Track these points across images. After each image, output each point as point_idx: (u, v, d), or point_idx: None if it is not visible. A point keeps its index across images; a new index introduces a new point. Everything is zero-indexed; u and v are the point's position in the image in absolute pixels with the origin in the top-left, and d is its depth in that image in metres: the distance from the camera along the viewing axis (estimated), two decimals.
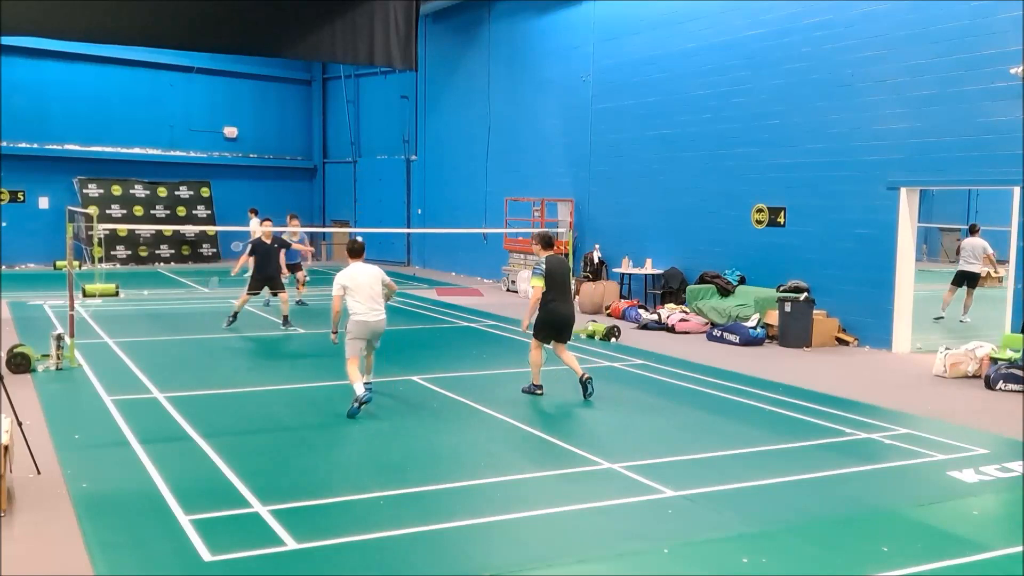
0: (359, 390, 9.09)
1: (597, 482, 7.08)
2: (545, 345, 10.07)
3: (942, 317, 16.72)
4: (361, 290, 9.24)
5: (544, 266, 9.70)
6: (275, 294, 15.21)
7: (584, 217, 20.51)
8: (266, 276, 14.96)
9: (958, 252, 17.17)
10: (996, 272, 18.45)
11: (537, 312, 9.87)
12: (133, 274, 24.45)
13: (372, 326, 9.31)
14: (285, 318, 15.01)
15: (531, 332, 10.07)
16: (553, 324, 9.82)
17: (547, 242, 9.95)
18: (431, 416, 9.18)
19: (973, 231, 17.42)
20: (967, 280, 16.82)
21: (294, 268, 17.70)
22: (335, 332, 9.55)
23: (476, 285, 23.22)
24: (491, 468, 7.36)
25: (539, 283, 9.71)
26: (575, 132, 20.88)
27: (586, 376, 9.86)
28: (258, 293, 15.05)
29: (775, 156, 15.60)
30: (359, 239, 9.76)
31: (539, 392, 10.01)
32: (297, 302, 17.34)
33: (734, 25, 16.34)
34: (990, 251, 17.11)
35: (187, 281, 22.85)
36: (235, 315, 14.96)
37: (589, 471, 7.33)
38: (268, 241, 15.01)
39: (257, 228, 24.03)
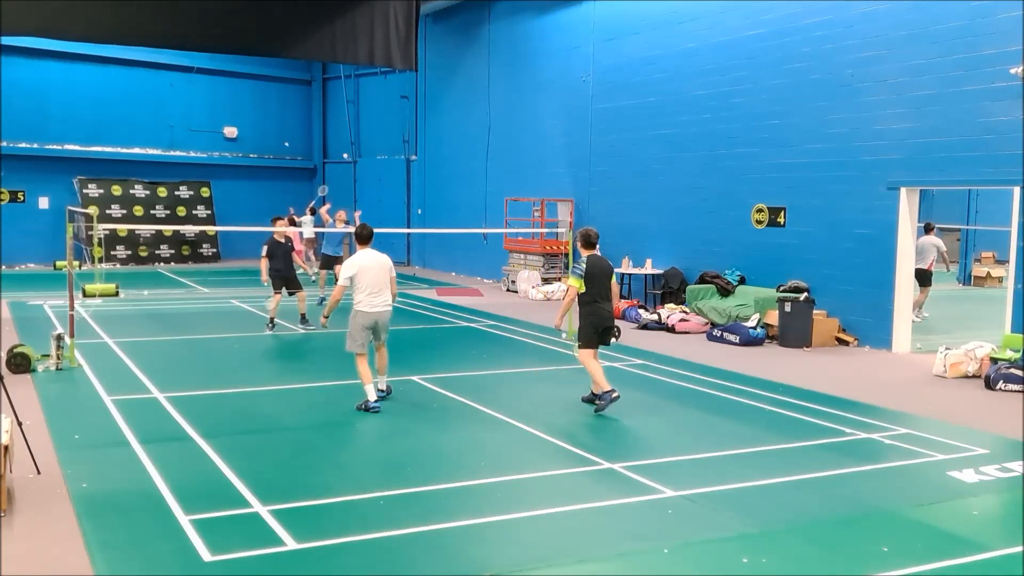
0: (370, 395, 9.13)
1: (597, 482, 7.08)
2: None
3: (926, 316, 16.90)
4: (367, 279, 9.12)
5: (584, 266, 9.24)
6: (292, 293, 15.02)
7: (584, 217, 20.50)
8: (283, 275, 14.75)
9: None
10: (948, 269, 19.25)
11: (580, 317, 9.42)
12: (133, 274, 24.45)
13: (375, 317, 9.20)
14: (302, 316, 14.96)
15: (576, 342, 9.54)
16: (596, 327, 9.32)
17: (588, 241, 9.45)
18: (431, 416, 9.17)
19: (928, 230, 17.48)
20: (920, 278, 16.69)
21: (336, 261, 17.22)
22: (326, 316, 9.53)
23: (476, 285, 23.21)
24: (491, 468, 7.36)
25: (576, 283, 9.22)
26: (575, 132, 20.88)
27: (599, 405, 9.29)
28: (280, 292, 14.86)
29: (775, 156, 15.60)
30: (367, 225, 9.67)
31: (615, 396, 9.09)
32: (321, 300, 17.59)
33: (734, 25, 16.34)
34: (943, 248, 17.47)
35: (187, 281, 22.85)
36: (272, 320, 14.80)
37: (589, 471, 7.33)
38: (282, 240, 14.77)
39: (308, 221, 24.48)
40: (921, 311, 16.82)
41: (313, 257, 24.98)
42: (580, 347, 9.41)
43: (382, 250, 18.92)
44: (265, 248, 14.63)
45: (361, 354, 9.25)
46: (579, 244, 9.51)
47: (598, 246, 9.69)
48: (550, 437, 8.35)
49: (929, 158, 13.11)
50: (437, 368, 11.68)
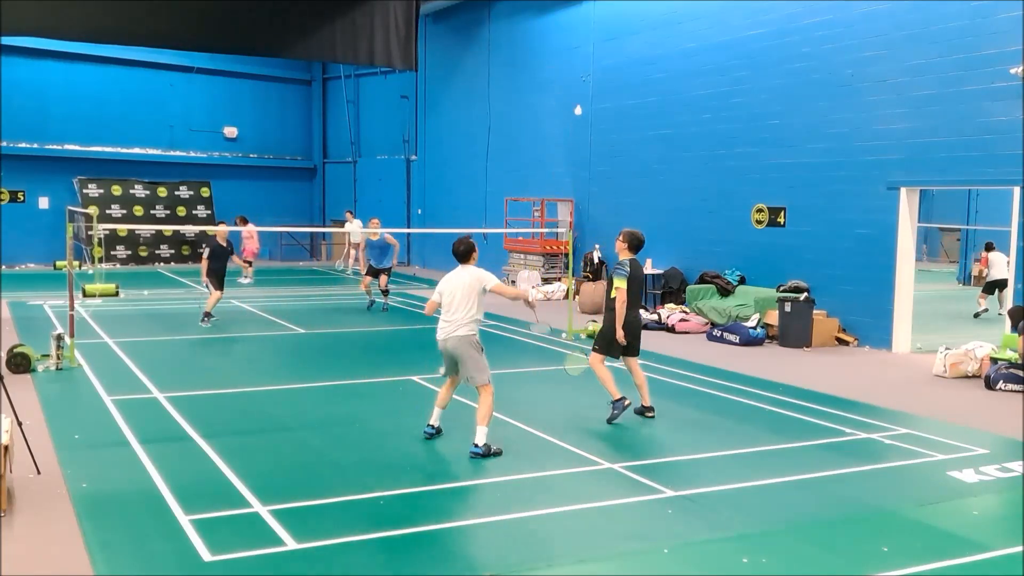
0: (433, 416, 8.19)
1: (597, 482, 7.07)
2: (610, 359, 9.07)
3: (985, 310, 18.16)
4: (448, 298, 7.91)
5: (628, 268, 8.74)
6: (212, 289, 15.32)
7: (584, 217, 20.50)
8: (221, 275, 15.27)
9: (984, 262, 19.53)
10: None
11: (606, 321, 8.98)
12: (133, 274, 24.46)
13: (443, 345, 7.93)
14: (207, 314, 15.13)
15: (593, 345, 9.09)
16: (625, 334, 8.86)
17: (636, 244, 8.91)
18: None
19: (990, 248, 19.13)
20: (998, 286, 18.03)
21: (381, 271, 17.04)
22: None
23: None
24: (491, 468, 7.36)
25: (623, 284, 8.68)
26: (575, 132, 20.88)
27: (649, 412, 9.09)
28: (222, 290, 15.29)
29: (775, 156, 15.60)
30: (465, 239, 8.11)
31: (627, 403, 8.81)
32: (383, 307, 17.25)
33: (734, 25, 16.34)
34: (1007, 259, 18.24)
35: (187, 281, 22.85)
36: (207, 314, 15.09)
37: (589, 471, 7.33)
38: (224, 244, 15.34)
39: (356, 229, 24.96)
40: (1001, 308, 17.95)
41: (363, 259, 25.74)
42: (596, 350, 8.95)
43: (383, 250, 18.39)
44: (207, 251, 15.30)
45: (448, 379, 8.14)
46: (626, 246, 8.90)
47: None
48: (550, 437, 8.34)
49: (929, 158, 13.11)
50: (437, 368, 11.66)
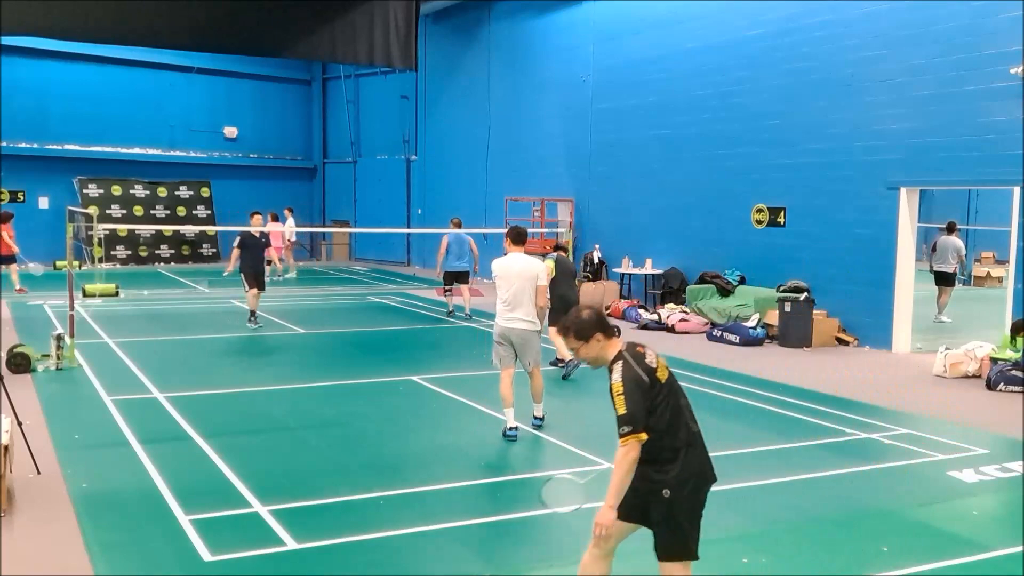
0: (508, 420, 8.12)
1: (597, 482, 7.05)
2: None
3: (944, 320, 16.53)
4: (506, 284, 8.11)
5: (555, 257, 11.69)
6: (248, 287, 14.75)
7: (584, 217, 20.50)
8: (253, 271, 14.67)
9: (933, 250, 17.07)
10: (962, 273, 18.09)
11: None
12: (133, 274, 24.46)
13: (507, 333, 8.10)
14: (252, 313, 14.79)
15: None
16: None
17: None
18: (431, 416, 9.17)
19: (950, 230, 17.27)
20: (942, 280, 16.69)
21: (462, 277, 16.49)
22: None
23: (476, 285, 23.19)
24: (491, 468, 7.36)
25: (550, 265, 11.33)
26: (575, 132, 20.88)
27: (561, 363, 11.34)
28: (255, 287, 14.67)
29: (775, 156, 15.59)
30: (518, 226, 8.63)
31: (575, 362, 10.76)
32: (465, 314, 16.42)
33: (734, 25, 16.34)
34: (962, 252, 17.09)
35: (187, 281, 22.85)
36: (253, 313, 14.77)
37: (589, 471, 7.32)
38: (256, 235, 14.79)
39: (291, 228, 24.63)
40: (940, 314, 16.58)
41: (290, 260, 25.22)
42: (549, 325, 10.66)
43: (382, 250, 18.50)
44: (238, 239, 14.59)
45: (503, 370, 8.21)
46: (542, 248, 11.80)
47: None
48: (550, 437, 8.35)
49: (929, 158, 13.11)
50: (437, 368, 11.68)
